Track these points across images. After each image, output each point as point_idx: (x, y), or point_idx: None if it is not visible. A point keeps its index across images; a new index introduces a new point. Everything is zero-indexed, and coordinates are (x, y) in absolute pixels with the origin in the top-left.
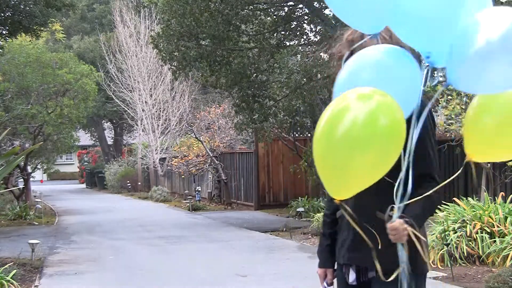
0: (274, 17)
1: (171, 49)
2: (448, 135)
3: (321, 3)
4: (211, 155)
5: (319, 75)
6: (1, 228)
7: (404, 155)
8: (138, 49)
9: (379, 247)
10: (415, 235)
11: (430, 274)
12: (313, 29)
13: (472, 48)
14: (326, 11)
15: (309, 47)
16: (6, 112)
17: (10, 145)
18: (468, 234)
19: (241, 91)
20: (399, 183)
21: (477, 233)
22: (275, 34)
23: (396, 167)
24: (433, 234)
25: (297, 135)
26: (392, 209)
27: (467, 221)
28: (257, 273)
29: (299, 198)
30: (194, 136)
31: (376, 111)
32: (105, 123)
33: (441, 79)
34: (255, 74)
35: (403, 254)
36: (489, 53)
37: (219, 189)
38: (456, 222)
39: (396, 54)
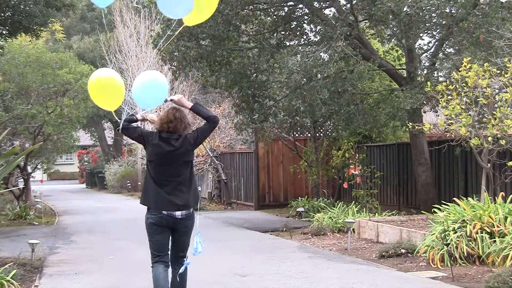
0: (274, 17)
1: (171, 49)
2: (448, 135)
3: (321, 3)
4: (211, 155)
5: (319, 75)
6: (1, 228)
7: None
8: (138, 49)
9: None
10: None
11: (430, 274)
12: (313, 29)
13: None
14: (326, 11)
15: (309, 47)
16: (6, 112)
17: (10, 145)
18: (468, 234)
19: (241, 91)
20: None
21: (477, 233)
22: (275, 34)
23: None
24: (433, 234)
25: (297, 135)
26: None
27: (467, 221)
28: (257, 273)
29: (299, 198)
30: None
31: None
32: (105, 123)
33: None
34: (255, 74)
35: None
36: None
37: (219, 189)
38: (456, 222)
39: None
